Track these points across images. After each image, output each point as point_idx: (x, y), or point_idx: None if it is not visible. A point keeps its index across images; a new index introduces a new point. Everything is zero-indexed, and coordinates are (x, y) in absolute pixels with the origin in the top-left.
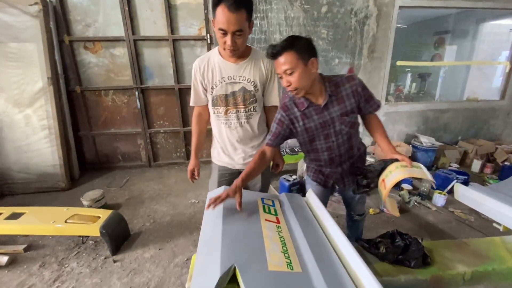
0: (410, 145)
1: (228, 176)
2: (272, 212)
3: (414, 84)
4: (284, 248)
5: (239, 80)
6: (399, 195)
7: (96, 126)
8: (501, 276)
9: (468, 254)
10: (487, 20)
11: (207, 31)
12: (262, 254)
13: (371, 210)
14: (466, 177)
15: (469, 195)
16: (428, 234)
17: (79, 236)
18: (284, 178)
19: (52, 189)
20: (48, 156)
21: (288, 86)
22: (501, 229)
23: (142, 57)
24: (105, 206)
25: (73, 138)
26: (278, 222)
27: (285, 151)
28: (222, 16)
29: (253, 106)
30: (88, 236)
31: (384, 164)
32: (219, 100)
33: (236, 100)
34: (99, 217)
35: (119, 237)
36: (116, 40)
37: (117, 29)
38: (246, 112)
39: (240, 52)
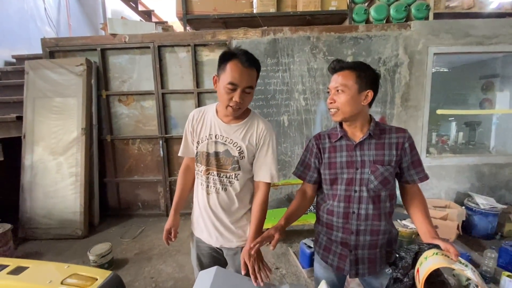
0: (463, 207)
1: (207, 250)
2: None
3: (460, 134)
4: None
5: (225, 141)
6: (453, 275)
7: (121, 173)
8: None
9: None
10: None
11: None
12: None
13: None
14: None
15: None
16: None
17: None
18: (305, 244)
19: (70, 237)
20: (71, 203)
21: (331, 103)
22: None
23: (169, 108)
24: (111, 262)
25: (98, 185)
26: None
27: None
28: (236, 70)
29: (235, 174)
30: None
31: (419, 248)
32: (201, 157)
33: (218, 162)
34: (96, 279)
35: None
36: (146, 93)
37: (148, 84)
38: (226, 178)
39: (241, 112)
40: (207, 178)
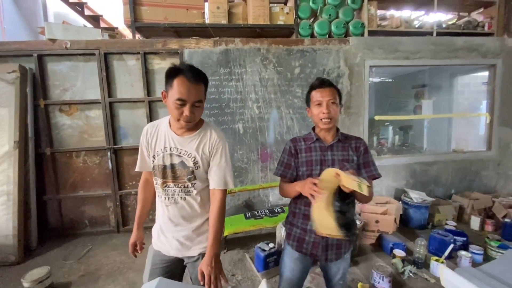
0: (400, 202)
1: (162, 264)
2: None
3: (396, 137)
4: None
5: (180, 153)
6: (392, 264)
7: (63, 189)
8: None
9: None
10: (459, 74)
11: None
12: None
13: (359, 285)
14: (465, 239)
15: (456, 283)
16: None
17: None
18: (260, 248)
19: (1, 263)
20: (2, 226)
21: (327, 113)
22: None
23: (117, 118)
24: (50, 287)
25: (35, 204)
26: None
27: (264, 212)
28: (183, 86)
29: (192, 183)
30: None
31: None
32: (158, 170)
33: (175, 174)
34: None
35: None
36: (92, 102)
37: (94, 92)
38: (184, 188)
39: (193, 124)
40: (165, 190)
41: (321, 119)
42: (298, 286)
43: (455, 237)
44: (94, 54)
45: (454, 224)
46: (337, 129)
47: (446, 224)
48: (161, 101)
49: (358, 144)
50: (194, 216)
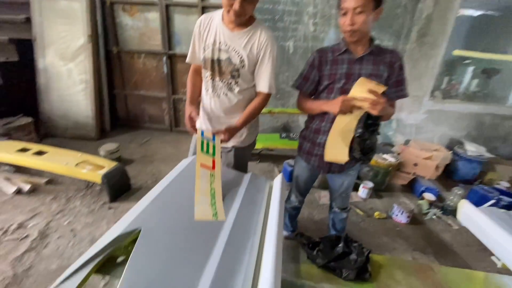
0: (451, 152)
1: None
2: (210, 151)
3: (475, 81)
4: (213, 201)
5: (228, 49)
6: (417, 204)
7: (128, 87)
8: None
9: (426, 280)
10: None
11: None
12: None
13: (376, 214)
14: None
15: (473, 217)
16: (435, 253)
17: (87, 180)
18: (287, 163)
19: (84, 137)
20: (84, 108)
21: (350, 25)
22: (499, 265)
23: (172, 23)
24: (119, 159)
25: (107, 95)
26: (213, 167)
27: (297, 135)
28: None
29: (236, 81)
30: (93, 183)
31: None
32: (207, 63)
33: (221, 69)
34: (104, 167)
35: (118, 187)
36: (150, 4)
37: None
38: (228, 84)
39: (243, 21)
40: (211, 83)
41: (344, 31)
42: (305, 190)
43: (501, 196)
44: None
45: (508, 185)
46: (371, 40)
47: (498, 184)
48: (215, 7)
49: (394, 59)
50: (233, 112)
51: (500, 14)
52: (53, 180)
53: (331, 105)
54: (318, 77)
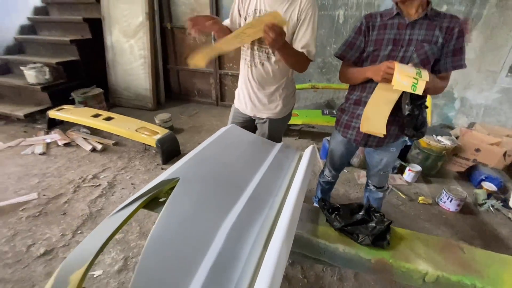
0: None
1: (239, 119)
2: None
3: None
4: None
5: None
6: (473, 194)
7: (180, 62)
8: None
9: (449, 258)
10: None
11: None
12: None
13: (420, 198)
14: None
15: None
16: (484, 245)
17: (144, 143)
18: (327, 139)
19: (143, 107)
20: (143, 81)
21: None
22: None
23: None
24: (171, 128)
25: (162, 69)
26: None
27: (325, 112)
28: None
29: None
30: (151, 146)
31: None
32: None
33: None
34: (158, 133)
35: (169, 151)
36: None
37: None
38: (265, 53)
39: None
40: (250, 52)
41: None
42: (340, 165)
43: None
44: None
45: None
46: (428, 2)
47: None
48: None
49: (453, 24)
50: (269, 82)
51: None
52: (118, 142)
53: (375, 71)
54: (364, 43)
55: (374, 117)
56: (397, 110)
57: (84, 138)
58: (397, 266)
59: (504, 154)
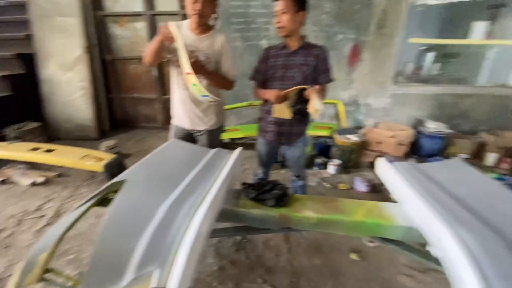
0: (415, 130)
1: (181, 134)
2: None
3: (437, 65)
4: None
5: (196, 49)
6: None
7: (123, 90)
8: (347, 226)
9: (327, 207)
10: None
11: None
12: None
13: (341, 185)
14: None
15: (384, 171)
16: None
17: (91, 171)
18: None
19: (86, 138)
20: (84, 112)
21: (278, 23)
22: None
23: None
24: (118, 153)
25: (105, 99)
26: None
27: None
28: None
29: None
30: (98, 172)
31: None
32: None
33: None
34: (104, 159)
35: (117, 175)
36: (137, 15)
37: (137, 5)
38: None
39: (205, 22)
40: (182, 77)
41: (276, 28)
42: (268, 162)
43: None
44: None
45: (466, 157)
46: (303, 37)
47: (458, 156)
48: None
49: (319, 52)
50: (203, 103)
51: (458, 1)
52: (62, 173)
53: (270, 95)
54: (266, 68)
55: (280, 109)
56: (296, 115)
57: (22, 174)
58: (293, 217)
59: (399, 144)
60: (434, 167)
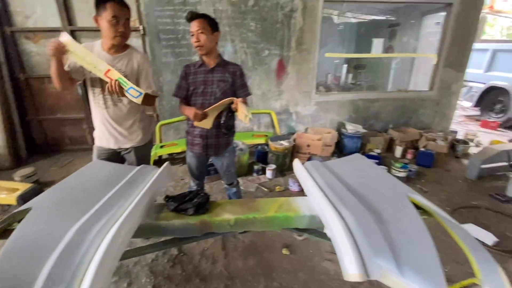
0: (337, 132)
1: (106, 155)
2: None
3: (351, 75)
4: None
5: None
6: None
7: (43, 112)
8: (261, 223)
9: (244, 208)
10: (429, 13)
11: (140, 22)
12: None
13: (277, 188)
14: (377, 161)
15: (298, 169)
16: None
17: (3, 204)
18: None
19: None
20: None
21: (197, 42)
22: None
23: None
24: (36, 182)
25: (19, 122)
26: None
27: None
28: (115, 7)
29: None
30: (9, 205)
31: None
32: (95, 81)
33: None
34: (19, 189)
35: None
36: (54, 30)
37: (55, 20)
38: (117, 96)
39: (126, 40)
40: (103, 97)
41: (195, 47)
42: (199, 173)
43: (369, 159)
44: None
45: (379, 151)
46: (219, 55)
47: (373, 152)
48: None
49: (235, 69)
50: (125, 118)
51: (365, 21)
52: None
53: (189, 113)
54: (187, 85)
55: (203, 123)
56: (221, 128)
57: None
58: (213, 221)
59: (324, 145)
60: (338, 162)
